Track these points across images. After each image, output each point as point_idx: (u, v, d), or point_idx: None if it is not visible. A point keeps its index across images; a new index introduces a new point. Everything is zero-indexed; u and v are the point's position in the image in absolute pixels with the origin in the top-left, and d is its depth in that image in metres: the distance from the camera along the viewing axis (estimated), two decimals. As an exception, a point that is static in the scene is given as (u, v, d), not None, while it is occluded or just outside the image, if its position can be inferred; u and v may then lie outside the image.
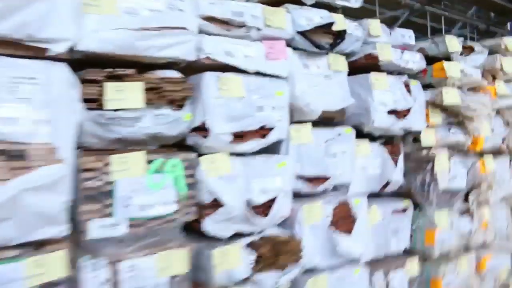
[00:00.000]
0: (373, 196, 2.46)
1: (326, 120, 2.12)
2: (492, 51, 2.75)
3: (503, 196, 2.89)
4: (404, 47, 2.46)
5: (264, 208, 1.77)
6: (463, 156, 2.61)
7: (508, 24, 7.85)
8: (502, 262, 2.81)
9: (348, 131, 2.14)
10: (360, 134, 2.29)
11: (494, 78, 2.77)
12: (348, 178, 2.16)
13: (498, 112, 2.87)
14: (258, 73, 1.80)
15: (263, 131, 1.80)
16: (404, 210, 2.42)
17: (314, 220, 1.91)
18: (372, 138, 2.37)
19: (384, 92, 2.19)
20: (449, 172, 2.46)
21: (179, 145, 1.73)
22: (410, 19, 7.14)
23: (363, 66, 2.26)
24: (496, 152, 2.93)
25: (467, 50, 2.56)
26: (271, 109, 1.81)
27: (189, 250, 1.57)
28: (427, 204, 2.39)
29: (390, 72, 2.38)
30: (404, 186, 2.48)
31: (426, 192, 2.39)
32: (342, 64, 2.16)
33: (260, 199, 1.72)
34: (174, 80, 1.59)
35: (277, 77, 1.86)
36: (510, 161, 2.94)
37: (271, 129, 1.82)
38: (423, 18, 7.32)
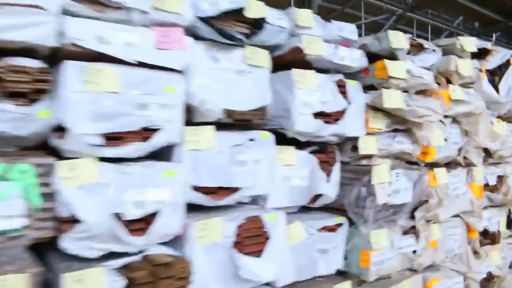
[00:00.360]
0: (306, 210, 2.24)
1: (241, 123, 1.89)
2: (447, 52, 2.51)
3: (457, 212, 2.65)
4: (346, 43, 2.22)
5: (142, 225, 1.52)
6: (410, 167, 2.37)
7: (494, 35, 7.76)
8: (453, 285, 2.58)
9: (264, 136, 1.90)
10: (290, 140, 2.06)
11: (449, 81, 2.53)
12: (265, 189, 1.93)
13: (455, 119, 2.63)
14: (144, 65, 1.56)
15: (146, 133, 1.56)
16: (337, 227, 2.18)
17: (210, 238, 1.66)
18: (304, 144, 2.13)
19: (309, 91, 1.95)
20: (390, 186, 2.23)
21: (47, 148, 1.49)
22: (396, 26, 7.07)
23: (291, 62, 2.01)
24: (452, 164, 2.70)
25: (416, 49, 2.32)
26: (157, 108, 1.57)
27: (34, 274, 1.32)
28: (361, 222, 2.15)
29: (326, 71, 2.15)
30: (340, 200, 2.25)
31: (361, 208, 2.15)
32: (262, 58, 1.92)
33: (134, 214, 1.48)
34: (24, 69, 1.35)
35: (170, 70, 1.61)
36: (467, 174, 2.71)
37: (156, 130, 1.57)
38: (410, 26, 7.25)
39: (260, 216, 1.83)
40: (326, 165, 2.18)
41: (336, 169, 2.22)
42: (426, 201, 2.44)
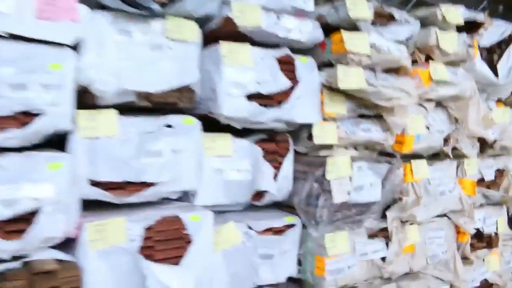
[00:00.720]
0: (256, 209, 2.07)
1: (164, 106, 1.73)
2: (426, 24, 2.26)
3: (442, 212, 2.42)
4: (300, 14, 2.02)
5: (17, 227, 1.39)
6: (378, 159, 2.16)
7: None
8: (437, 296, 2.37)
9: (187, 122, 1.74)
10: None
11: (429, 58, 2.29)
12: (190, 184, 1.77)
13: (440, 104, 2.39)
14: (23, 38, 1.41)
15: (24, 119, 1.41)
16: (286, 229, 2.00)
17: (109, 242, 1.51)
18: (251, 132, 1.96)
19: (242, 69, 1.76)
20: (351, 181, 2.03)
21: None
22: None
23: (226, 36, 1.83)
24: (441, 156, 2.47)
25: (384, 19, 2.09)
26: (39, 88, 1.42)
27: None
28: (312, 223, 1.96)
29: (275, 45, 1.96)
30: (292, 197, 2.06)
31: (312, 207, 1.96)
32: (188, 31, 1.75)
33: (2, 214, 1.34)
34: None
35: (57, 44, 1.46)
36: (457, 167, 2.47)
37: (38, 115, 1.43)
38: (434, 8, 7.00)
39: (178, 216, 1.67)
40: (275, 157, 2.01)
41: (288, 161, 2.04)
42: (400, 199, 2.23)
